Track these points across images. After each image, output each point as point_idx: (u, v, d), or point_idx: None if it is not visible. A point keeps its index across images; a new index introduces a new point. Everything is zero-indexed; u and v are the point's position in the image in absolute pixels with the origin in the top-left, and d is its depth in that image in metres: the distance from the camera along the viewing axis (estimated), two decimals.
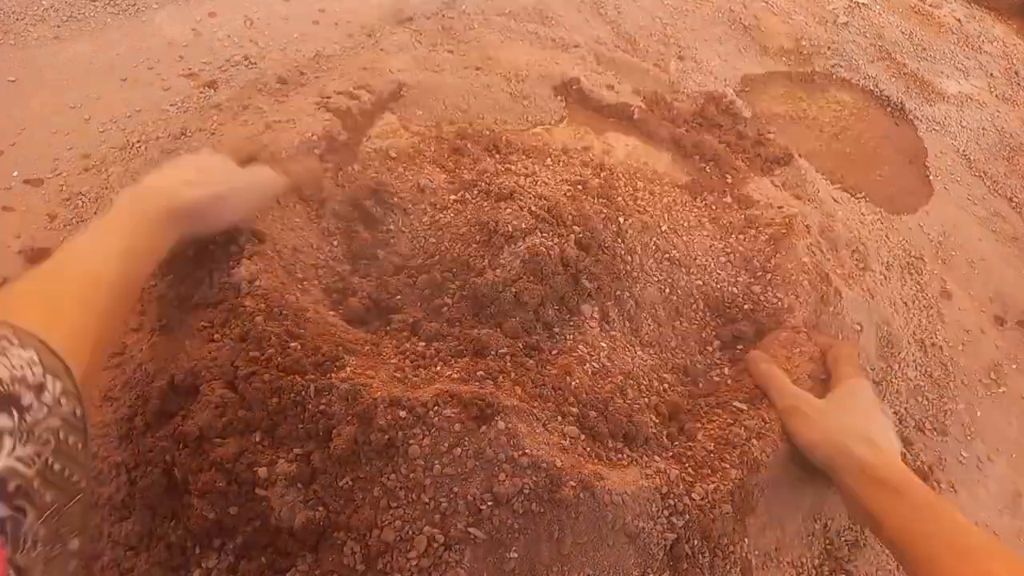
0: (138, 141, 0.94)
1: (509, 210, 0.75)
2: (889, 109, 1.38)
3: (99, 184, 0.88)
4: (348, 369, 0.58)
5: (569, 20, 1.30)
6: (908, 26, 1.59)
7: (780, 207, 0.95)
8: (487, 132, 0.95)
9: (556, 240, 0.73)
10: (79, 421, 0.37)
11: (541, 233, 0.73)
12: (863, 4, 1.62)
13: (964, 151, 1.34)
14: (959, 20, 1.66)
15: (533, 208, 0.76)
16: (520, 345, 0.67)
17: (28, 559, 0.32)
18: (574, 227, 0.76)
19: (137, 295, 0.53)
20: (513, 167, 0.88)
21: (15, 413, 0.32)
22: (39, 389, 0.34)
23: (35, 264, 0.79)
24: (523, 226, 0.73)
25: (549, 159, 0.92)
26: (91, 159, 0.91)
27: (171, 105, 0.99)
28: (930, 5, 1.68)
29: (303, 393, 0.55)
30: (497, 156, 0.90)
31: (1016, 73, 1.56)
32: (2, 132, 0.91)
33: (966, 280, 1.10)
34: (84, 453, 0.37)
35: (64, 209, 0.85)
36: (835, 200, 1.10)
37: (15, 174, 0.87)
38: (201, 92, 1.01)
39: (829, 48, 1.46)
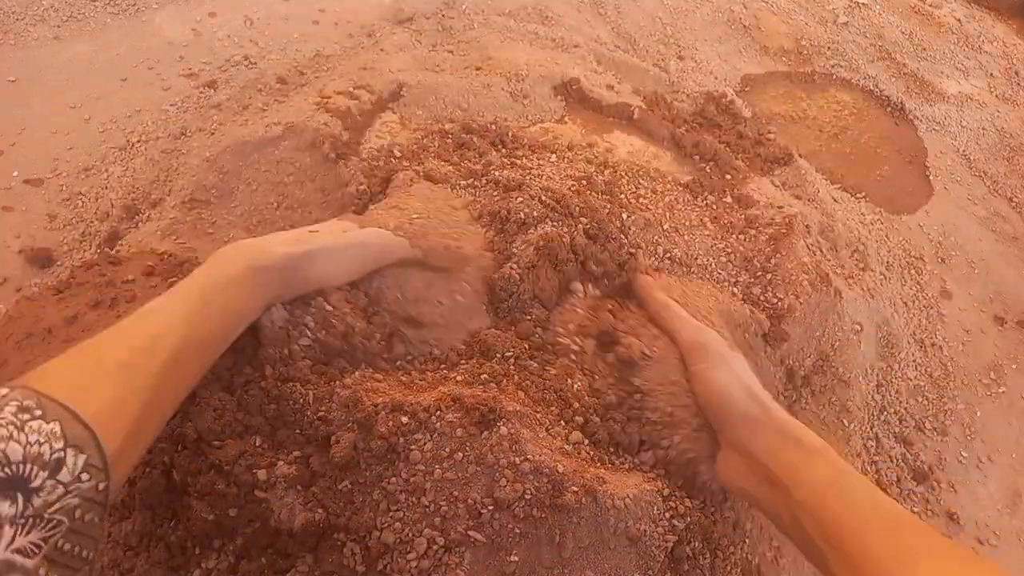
0: (138, 141, 0.94)
1: (520, 199, 0.76)
2: (889, 109, 1.38)
3: (99, 184, 0.88)
4: (357, 373, 0.58)
5: (569, 20, 1.30)
6: (908, 26, 1.59)
7: (780, 207, 0.95)
8: (492, 127, 0.95)
9: (566, 229, 0.73)
10: (101, 495, 0.35)
11: (551, 222, 0.73)
12: (863, 4, 1.62)
13: (964, 151, 1.34)
14: (959, 20, 1.66)
15: (543, 198, 0.76)
16: (526, 346, 0.66)
17: None
18: (581, 218, 0.76)
19: (209, 359, 0.48)
20: (518, 161, 0.88)
21: (20, 499, 0.31)
22: (56, 466, 0.33)
23: (35, 264, 0.79)
24: (535, 214, 0.73)
25: (554, 155, 0.92)
26: (91, 159, 0.91)
27: (171, 105, 0.99)
28: (930, 5, 1.68)
29: (301, 401, 0.55)
30: (503, 150, 0.91)
31: (1016, 73, 1.56)
32: (2, 132, 0.91)
33: (966, 280, 1.10)
34: (99, 526, 0.35)
35: (64, 209, 0.85)
36: (835, 200, 1.10)
37: (15, 174, 0.87)
38: (201, 92, 1.01)
39: (829, 48, 1.46)
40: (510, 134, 0.94)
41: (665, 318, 0.64)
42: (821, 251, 0.94)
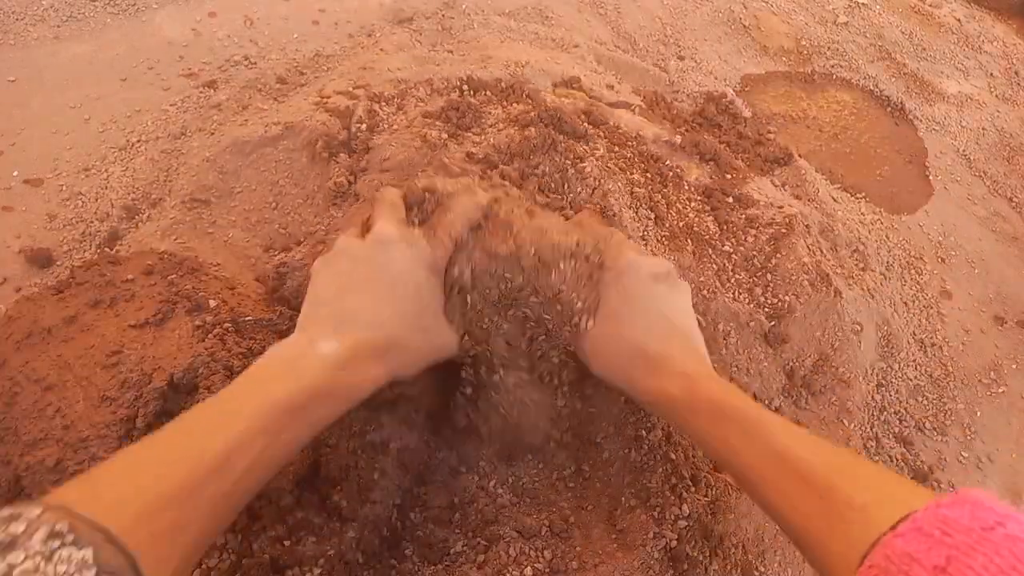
0: (138, 141, 0.94)
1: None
2: (889, 109, 1.38)
3: (99, 184, 0.88)
4: None
5: (569, 20, 1.30)
6: (908, 26, 1.59)
7: (780, 207, 0.95)
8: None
9: None
10: None
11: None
12: (863, 4, 1.62)
13: (964, 151, 1.34)
14: (959, 20, 1.66)
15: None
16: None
17: None
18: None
19: (284, 464, 0.43)
20: None
21: None
22: None
23: (35, 264, 0.79)
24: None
25: None
26: (91, 159, 0.91)
27: (171, 105, 0.99)
28: (930, 5, 1.68)
29: None
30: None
31: (1016, 73, 1.56)
32: (2, 132, 0.91)
33: (966, 280, 1.10)
34: None
35: (64, 209, 0.85)
36: (835, 200, 1.10)
37: (15, 174, 0.87)
38: (201, 92, 1.01)
39: (829, 48, 1.46)
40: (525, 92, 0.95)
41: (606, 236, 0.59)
42: (821, 251, 0.94)
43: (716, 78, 1.31)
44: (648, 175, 0.89)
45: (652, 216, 0.84)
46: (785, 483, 0.41)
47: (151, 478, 0.36)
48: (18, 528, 0.30)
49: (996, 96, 1.49)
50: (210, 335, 0.62)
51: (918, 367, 0.95)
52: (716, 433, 0.46)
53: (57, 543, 0.30)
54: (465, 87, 0.94)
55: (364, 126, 0.86)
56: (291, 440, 0.42)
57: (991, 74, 1.54)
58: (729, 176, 1.00)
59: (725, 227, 0.89)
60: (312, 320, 0.50)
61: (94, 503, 0.33)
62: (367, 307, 0.49)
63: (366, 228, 0.56)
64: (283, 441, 0.42)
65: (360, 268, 0.52)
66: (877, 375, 0.91)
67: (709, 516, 0.61)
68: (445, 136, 0.80)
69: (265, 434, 0.40)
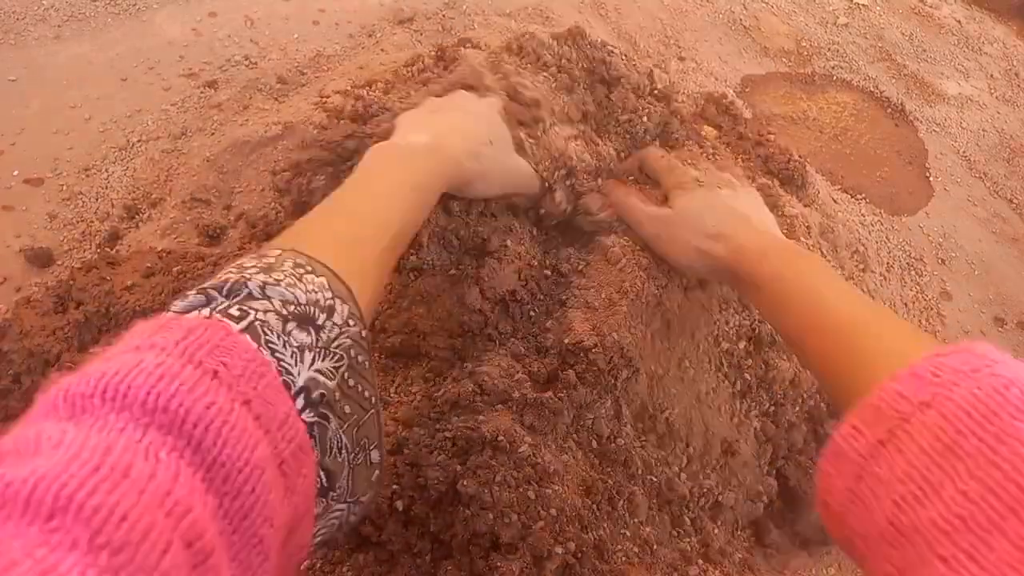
0: (138, 141, 0.94)
1: None
2: (889, 110, 1.38)
3: (99, 184, 0.88)
4: None
5: (569, 20, 1.30)
6: (908, 27, 1.59)
7: (781, 208, 0.95)
8: None
9: None
10: (365, 342, 0.39)
11: None
12: (863, 5, 1.62)
13: (964, 152, 1.34)
14: (959, 21, 1.66)
15: None
16: None
17: (335, 463, 0.35)
18: None
19: (409, 241, 0.54)
20: None
21: (312, 331, 0.35)
22: (330, 311, 0.37)
23: (35, 264, 0.79)
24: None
25: None
26: (91, 159, 0.91)
27: (171, 105, 0.99)
28: (930, 6, 1.68)
29: None
30: None
31: (1016, 74, 1.56)
32: (2, 132, 0.91)
33: (966, 281, 1.10)
34: (371, 372, 0.39)
35: (64, 209, 0.85)
36: (835, 201, 1.10)
37: (15, 174, 0.87)
38: (201, 92, 1.01)
39: (829, 49, 1.46)
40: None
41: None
42: (821, 252, 0.94)
43: (716, 79, 1.31)
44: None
45: None
46: (817, 336, 0.47)
47: (343, 234, 0.45)
48: (270, 258, 0.38)
49: (996, 97, 1.49)
50: None
51: None
52: (761, 297, 0.55)
53: (302, 270, 0.38)
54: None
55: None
56: (418, 211, 0.53)
57: (991, 75, 1.54)
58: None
59: None
60: (398, 133, 0.60)
61: (312, 247, 0.40)
62: (446, 120, 0.61)
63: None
64: (413, 211, 0.52)
65: (444, 104, 0.64)
66: None
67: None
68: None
69: (403, 205, 0.50)
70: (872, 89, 1.41)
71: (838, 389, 0.43)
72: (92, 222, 0.85)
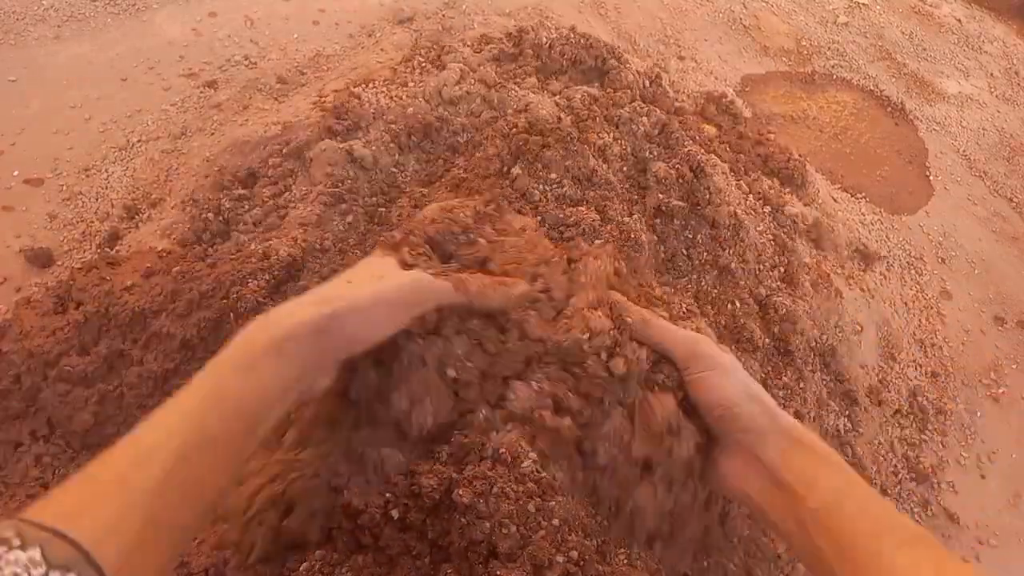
0: (138, 141, 0.94)
1: None
2: (889, 109, 1.38)
3: (99, 184, 0.88)
4: None
5: (569, 20, 1.30)
6: (908, 26, 1.59)
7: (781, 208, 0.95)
8: None
9: None
10: None
11: None
12: (863, 4, 1.62)
13: (964, 151, 1.34)
14: (959, 20, 1.66)
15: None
16: None
17: None
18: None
19: (231, 453, 0.44)
20: None
21: None
22: None
23: (35, 264, 0.79)
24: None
25: None
26: (91, 159, 0.91)
27: (171, 105, 0.99)
28: (930, 5, 1.68)
29: None
30: None
31: (1016, 73, 1.56)
32: (2, 132, 0.91)
33: (966, 280, 1.10)
34: None
35: (64, 209, 0.85)
36: (835, 200, 1.10)
37: (15, 174, 0.87)
38: (201, 92, 1.01)
39: (829, 48, 1.46)
40: None
41: (651, 333, 0.59)
42: (821, 251, 0.94)
43: (716, 78, 1.31)
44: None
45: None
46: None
47: (90, 481, 0.38)
48: None
49: (996, 96, 1.49)
50: None
51: (918, 367, 0.95)
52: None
53: (3, 548, 0.32)
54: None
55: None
56: (222, 420, 0.43)
57: (991, 74, 1.54)
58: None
59: None
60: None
61: (44, 512, 0.35)
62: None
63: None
64: (213, 424, 0.42)
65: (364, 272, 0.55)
66: (877, 375, 0.91)
67: None
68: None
69: (190, 420, 0.42)
70: (872, 88, 1.41)
71: None
72: (92, 222, 0.85)
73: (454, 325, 0.55)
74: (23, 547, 0.32)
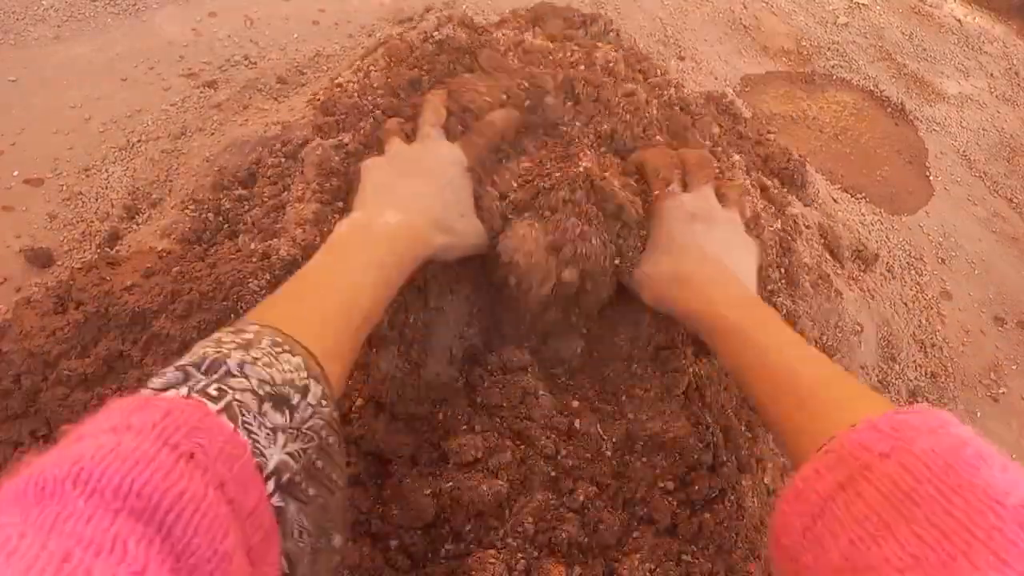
0: (138, 141, 0.94)
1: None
2: (889, 109, 1.38)
3: (99, 184, 0.88)
4: None
5: None
6: (908, 26, 1.59)
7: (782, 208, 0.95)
8: None
9: None
10: (335, 423, 0.39)
11: None
12: (863, 4, 1.62)
13: (964, 151, 1.34)
14: (959, 20, 1.66)
15: None
16: None
17: (296, 548, 0.35)
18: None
19: (380, 318, 0.54)
20: None
21: (286, 412, 0.36)
22: (304, 391, 0.37)
23: (35, 264, 0.79)
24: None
25: None
26: (91, 159, 0.91)
27: (171, 105, 0.99)
28: (930, 5, 1.68)
29: None
30: None
31: (1016, 73, 1.56)
32: (2, 132, 0.91)
33: (966, 280, 1.10)
34: (340, 453, 0.39)
35: (64, 209, 0.85)
36: (835, 200, 1.10)
37: (15, 174, 0.87)
38: (201, 92, 1.01)
39: (829, 48, 1.46)
40: None
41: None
42: (821, 251, 0.94)
43: (716, 78, 1.31)
44: None
45: None
46: (773, 391, 0.48)
47: (316, 310, 0.45)
48: (249, 335, 0.38)
49: (996, 96, 1.49)
50: None
51: (918, 367, 0.95)
52: (721, 348, 0.55)
53: (279, 349, 0.38)
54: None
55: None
56: (387, 290, 0.53)
57: (991, 74, 1.54)
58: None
59: None
60: (369, 202, 0.60)
61: (291, 328, 0.41)
62: (416, 192, 0.60)
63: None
64: (383, 291, 0.52)
65: (407, 163, 0.63)
66: (877, 375, 0.91)
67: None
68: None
69: (374, 288, 0.51)
70: (872, 88, 1.41)
71: (796, 443, 0.44)
72: (92, 222, 0.85)
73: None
74: (292, 352, 0.39)
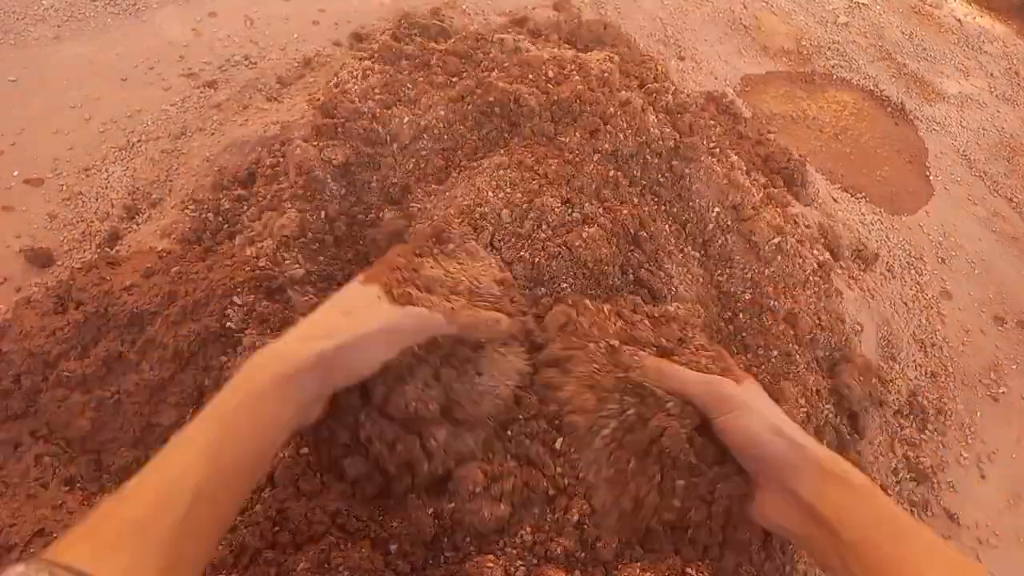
0: (138, 141, 0.94)
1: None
2: (889, 109, 1.38)
3: (99, 184, 0.88)
4: None
5: None
6: (908, 26, 1.59)
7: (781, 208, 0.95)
8: None
9: None
10: None
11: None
12: (863, 4, 1.62)
13: (964, 151, 1.34)
14: (959, 20, 1.66)
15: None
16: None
17: None
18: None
19: (244, 485, 0.46)
20: None
21: None
22: None
23: (35, 264, 0.79)
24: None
25: None
26: (91, 159, 0.91)
27: (171, 105, 0.99)
28: (930, 5, 1.68)
29: None
30: None
31: (1016, 73, 1.56)
32: (2, 132, 0.91)
33: (966, 280, 1.10)
34: None
35: (64, 209, 0.85)
36: (835, 200, 1.10)
37: (15, 174, 0.87)
38: (201, 92, 1.01)
39: (829, 48, 1.46)
40: None
41: (666, 379, 0.59)
42: (821, 251, 0.94)
43: (716, 78, 1.31)
44: None
45: None
46: None
47: (111, 525, 0.39)
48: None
49: (996, 96, 1.49)
50: None
51: (918, 367, 0.95)
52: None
53: None
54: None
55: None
56: (235, 454, 0.44)
57: (991, 74, 1.54)
58: None
59: None
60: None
61: (70, 554, 0.36)
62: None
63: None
64: (226, 458, 0.44)
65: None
66: (877, 375, 0.91)
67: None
68: None
69: (205, 457, 0.43)
70: (872, 88, 1.40)
71: None
72: (92, 222, 0.85)
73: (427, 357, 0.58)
74: None
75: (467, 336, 0.58)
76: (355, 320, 0.53)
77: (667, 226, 0.79)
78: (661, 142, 0.79)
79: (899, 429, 0.88)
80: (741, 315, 0.81)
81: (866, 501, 0.50)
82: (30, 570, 0.34)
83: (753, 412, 0.56)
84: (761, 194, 0.89)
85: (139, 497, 0.41)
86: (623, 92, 0.79)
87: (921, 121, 1.36)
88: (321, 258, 0.75)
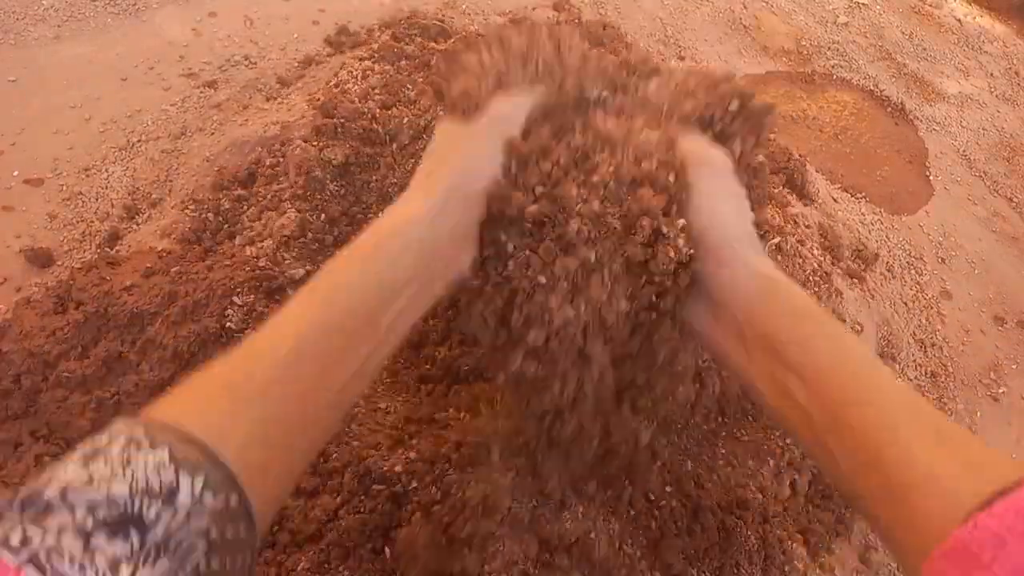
0: (138, 141, 0.94)
1: None
2: (889, 109, 1.38)
3: (99, 184, 0.88)
4: None
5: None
6: (908, 26, 1.59)
7: (782, 207, 0.95)
8: None
9: None
10: (236, 509, 0.33)
11: None
12: (863, 4, 1.62)
13: (964, 151, 1.34)
14: (959, 20, 1.66)
15: None
16: None
17: None
18: None
19: (354, 348, 0.41)
20: None
21: (133, 535, 0.30)
22: (170, 495, 0.31)
23: (35, 264, 0.79)
24: None
25: None
26: (91, 159, 0.91)
27: (171, 105, 0.99)
28: (930, 5, 1.68)
29: None
30: None
31: (1016, 73, 1.56)
32: (2, 132, 0.91)
33: (966, 280, 1.10)
34: (249, 538, 0.34)
35: (64, 209, 0.85)
36: (835, 200, 1.10)
37: (15, 174, 0.87)
38: (201, 92, 1.01)
39: (829, 48, 1.46)
40: None
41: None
42: (821, 251, 0.94)
43: None
44: None
45: None
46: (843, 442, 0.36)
47: (202, 383, 0.37)
48: (102, 440, 0.32)
49: (996, 96, 1.49)
50: None
51: (918, 367, 0.95)
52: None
53: (134, 448, 0.32)
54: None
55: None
56: (343, 307, 0.41)
57: (991, 74, 1.54)
58: None
59: None
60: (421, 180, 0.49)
61: (164, 412, 0.35)
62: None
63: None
64: (332, 313, 0.40)
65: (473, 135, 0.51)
66: None
67: None
68: None
69: (303, 320, 0.40)
70: (872, 88, 1.41)
71: (878, 517, 0.35)
72: (92, 222, 0.85)
73: None
74: (152, 446, 0.32)
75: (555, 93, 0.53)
76: (476, 156, 0.49)
77: None
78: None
79: None
80: None
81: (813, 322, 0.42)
82: (126, 426, 0.33)
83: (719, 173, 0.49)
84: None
85: (236, 352, 0.38)
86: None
87: (921, 121, 1.36)
88: (321, 258, 0.75)
